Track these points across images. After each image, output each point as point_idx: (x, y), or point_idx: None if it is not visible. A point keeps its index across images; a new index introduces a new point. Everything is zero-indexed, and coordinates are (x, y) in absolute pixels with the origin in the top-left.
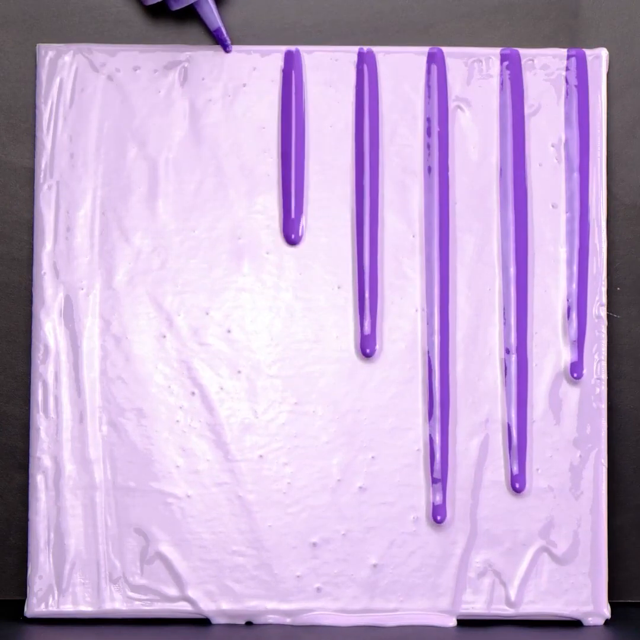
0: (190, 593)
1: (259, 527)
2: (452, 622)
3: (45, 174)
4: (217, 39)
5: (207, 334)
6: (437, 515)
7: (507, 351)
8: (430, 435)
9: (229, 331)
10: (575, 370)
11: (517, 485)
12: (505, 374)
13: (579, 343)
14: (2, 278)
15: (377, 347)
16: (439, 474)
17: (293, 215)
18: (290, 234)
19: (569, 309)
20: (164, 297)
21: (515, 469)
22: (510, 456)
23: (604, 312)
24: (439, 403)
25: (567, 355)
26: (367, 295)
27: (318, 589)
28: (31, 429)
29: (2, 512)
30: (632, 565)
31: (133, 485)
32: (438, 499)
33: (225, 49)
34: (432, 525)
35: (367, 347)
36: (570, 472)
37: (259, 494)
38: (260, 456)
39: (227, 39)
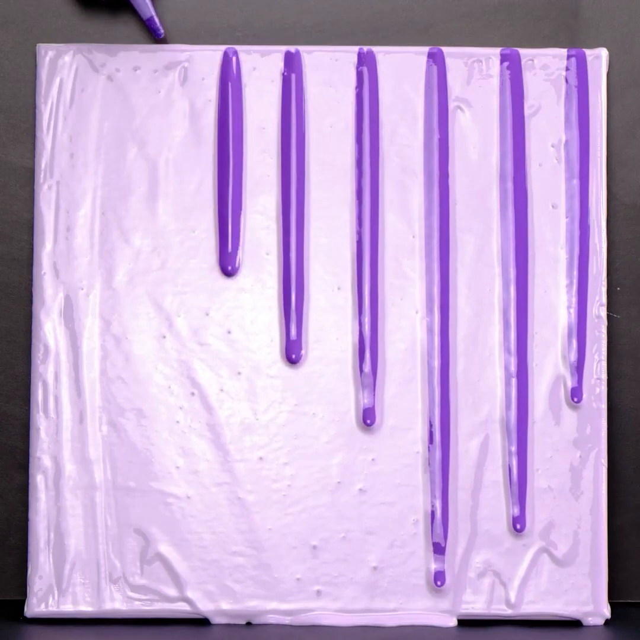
0: (190, 593)
1: (258, 527)
2: (453, 622)
3: (45, 174)
4: (149, 28)
5: (207, 334)
6: (438, 580)
7: (507, 351)
8: (431, 509)
9: (229, 332)
10: (576, 395)
11: (518, 526)
12: (505, 374)
13: (579, 343)
14: (2, 278)
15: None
16: (440, 539)
17: (293, 216)
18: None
19: (569, 309)
20: (164, 297)
21: (516, 511)
22: (511, 496)
23: (604, 312)
24: (438, 403)
25: (566, 361)
26: (367, 295)
27: (318, 590)
28: (31, 429)
29: (2, 512)
30: (632, 565)
31: (133, 485)
32: (438, 566)
33: (157, 36)
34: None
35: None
36: (570, 472)
37: (258, 494)
38: (260, 457)
39: (160, 27)
